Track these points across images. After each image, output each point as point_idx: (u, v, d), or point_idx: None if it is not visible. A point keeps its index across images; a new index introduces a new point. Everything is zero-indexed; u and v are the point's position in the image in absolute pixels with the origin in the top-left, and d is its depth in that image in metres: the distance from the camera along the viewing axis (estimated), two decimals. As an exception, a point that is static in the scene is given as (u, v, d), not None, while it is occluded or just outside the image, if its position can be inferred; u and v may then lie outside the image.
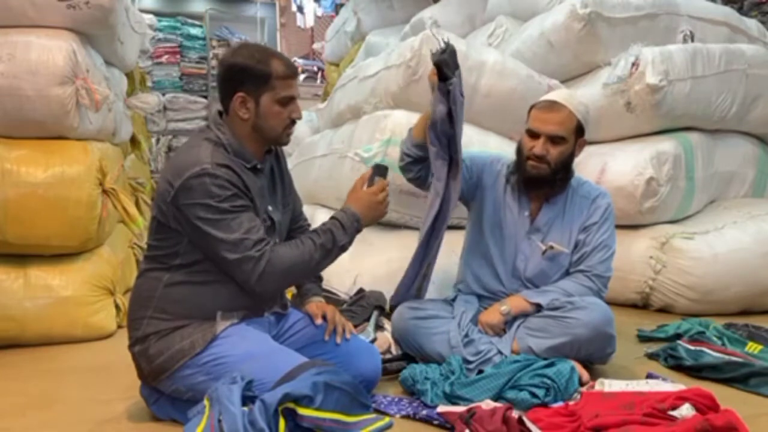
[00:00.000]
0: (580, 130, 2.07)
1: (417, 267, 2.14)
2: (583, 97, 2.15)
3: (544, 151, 2.04)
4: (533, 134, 2.06)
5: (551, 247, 2.10)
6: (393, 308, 2.21)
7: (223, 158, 1.61)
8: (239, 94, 1.65)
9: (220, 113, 1.72)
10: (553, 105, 2.06)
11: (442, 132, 1.98)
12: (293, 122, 1.72)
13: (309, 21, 9.26)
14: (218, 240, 1.57)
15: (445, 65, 1.88)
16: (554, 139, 2.03)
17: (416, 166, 2.14)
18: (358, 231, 1.73)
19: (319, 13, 9.34)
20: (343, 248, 1.71)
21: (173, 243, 1.64)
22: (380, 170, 1.78)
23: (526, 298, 2.05)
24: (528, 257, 2.13)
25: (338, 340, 1.80)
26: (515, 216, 2.16)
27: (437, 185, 2.04)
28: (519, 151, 2.12)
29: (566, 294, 2.03)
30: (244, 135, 1.68)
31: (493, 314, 2.05)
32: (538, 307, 2.03)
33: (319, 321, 1.82)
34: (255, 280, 1.59)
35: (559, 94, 2.14)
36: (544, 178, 2.06)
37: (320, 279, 1.99)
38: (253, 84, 1.64)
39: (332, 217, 1.72)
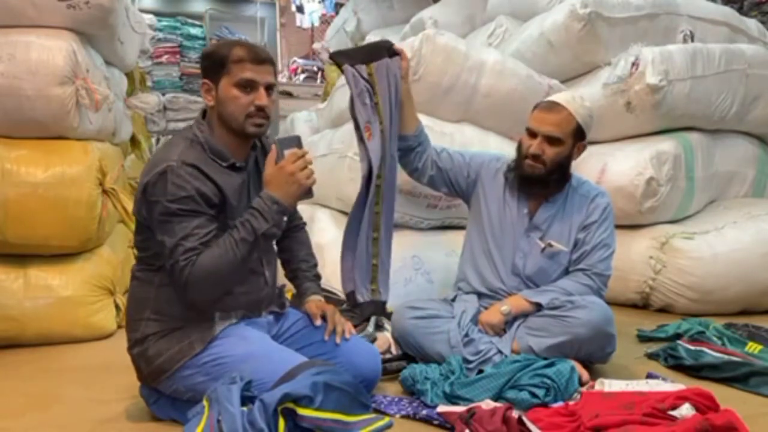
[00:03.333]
0: (579, 134, 2.08)
1: (353, 245, 2.28)
2: (587, 100, 2.15)
3: (539, 151, 2.05)
4: (532, 133, 2.09)
5: (550, 245, 2.10)
6: (350, 296, 2.23)
7: (194, 156, 1.59)
8: (203, 81, 1.67)
9: (204, 112, 1.72)
10: (553, 106, 2.07)
11: (352, 112, 2.25)
12: (260, 110, 1.62)
13: (311, 22, 9.23)
14: (161, 243, 1.56)
15: (337, 56, 2.28)
16: (550, 140, 2.05)
17: (405, 158, 2.28)
18: (283, 213, 1.59)
19: (320, 13, 9.33)
20: (269, 234, 1.59)
21: (153, 243, 1.62)
22: (284, 143, 1.62)
23: (526, 298, 2.06)
24: (527, 254, 2.13)
25: (338, 340, 1.78)
26: (514, 213, 2.17)
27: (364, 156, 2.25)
28: (519, 149, 2.15)
29: (566, 293, 2.03)
30: (219, 130, 1.66)
31: (494, 314, 2.05)
32: (538, 307, 2.03)
33: (318, 321, 1.81)
34: (182, 289, 1.55)
35: (563, 95, 2.14)
36: (539, 178, 2.08)
37: (318, 278, 1.98)
38: (213, 69, 1.64)
39: (250, 207, 1.60)
